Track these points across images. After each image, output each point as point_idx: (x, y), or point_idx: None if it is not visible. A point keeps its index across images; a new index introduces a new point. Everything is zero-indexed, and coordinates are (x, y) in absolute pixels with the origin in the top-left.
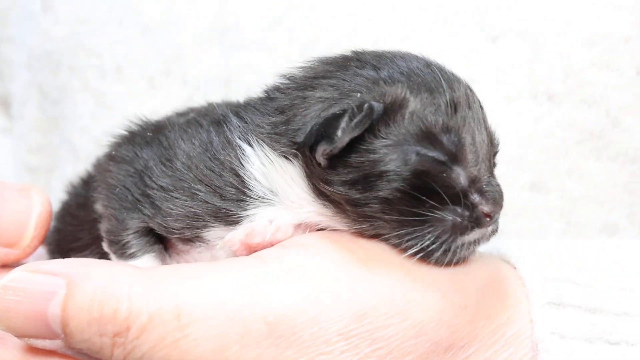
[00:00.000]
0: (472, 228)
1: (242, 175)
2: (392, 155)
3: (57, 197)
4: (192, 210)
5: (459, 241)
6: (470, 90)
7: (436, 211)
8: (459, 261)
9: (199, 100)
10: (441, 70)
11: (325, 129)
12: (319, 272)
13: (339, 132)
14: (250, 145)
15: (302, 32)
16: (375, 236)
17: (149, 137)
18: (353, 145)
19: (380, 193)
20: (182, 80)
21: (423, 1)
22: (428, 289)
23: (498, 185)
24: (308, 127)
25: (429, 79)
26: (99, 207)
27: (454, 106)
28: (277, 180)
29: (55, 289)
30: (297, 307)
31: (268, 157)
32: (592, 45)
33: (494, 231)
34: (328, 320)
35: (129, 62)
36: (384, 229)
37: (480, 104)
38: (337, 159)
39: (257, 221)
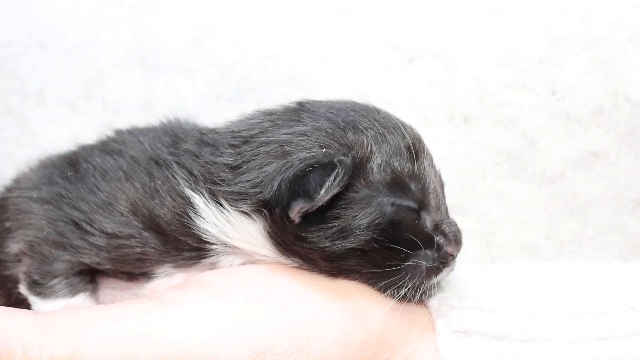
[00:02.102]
0: (441, 269)
1: (196, 229)
2: (369, 208)
3: None
4: (144, 256)
5: (432, 282)
6: (418, 135)
7: (411, 259)
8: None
9: (120, 124)
10: (390, 116)
11: (298, 187)
12: (217, 312)
13: (322, 191)
14: (201, 198)
15: (220, 56)
16: None
17: (70, 175)
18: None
19: (357, 246)
20: (103, 105)
21: (339, 24)
22: (329, 324)
23: (456, 224)
24: (275, 185)
25: (385, 126)
26: (14, 247)
27: (415, 152)
28: (234, 236)
29: None
30: (194, 349)
31: (224, 213)
32: (507, 66)
33: (452, 269)
34: None
35: (50, 86)
36: (359, 282)
37: (427, 147)
38: (311, 216)
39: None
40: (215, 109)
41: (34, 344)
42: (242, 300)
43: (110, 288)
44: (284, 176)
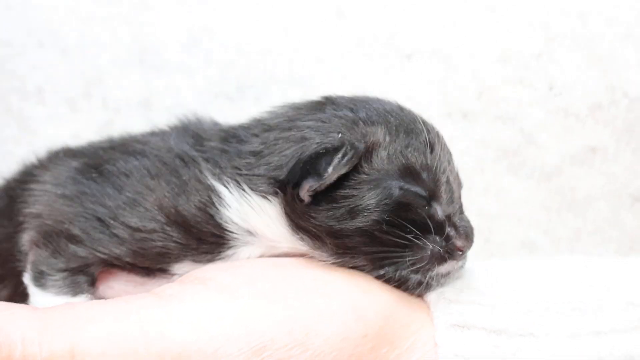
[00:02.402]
0: (447, 259)
1: (219, 218)
2: (377, 189)
3: None
4: (165, 250)
5: (435, 271)
6: (439, 132)
7: (417, 241)
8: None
9: (120, 123)
10: (412, 113)
11: (310, 167)
12: (217, 307)
13: (330, 169)
14: (226, 188)
15: (218, 54)
16: (353, 268)
17: (95, 177)
18: (337, 181)
19: (364, 225)
20: (102, 103)
21: (337, 22)
22: (328, 319)
23: (469, 222)
24: (290, 166)
25: (405, 120)
26: (26, 237)
27: (431, 146)
28: (255, 221)
29: None
30: (194, 345)
31: (246, 198)
32: (505, 62)
33: (462, 266)
34: (226, 355)
35: (50, 85)
36: (364, 260)
37: (447, 146)
38: (320, 195)
39: None
40: (215, 107)
41: (33, 340)
42: (241, 296)
43: (123, 283)
44: (298, 158)
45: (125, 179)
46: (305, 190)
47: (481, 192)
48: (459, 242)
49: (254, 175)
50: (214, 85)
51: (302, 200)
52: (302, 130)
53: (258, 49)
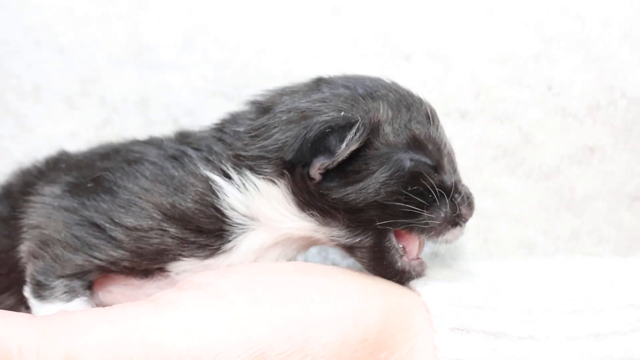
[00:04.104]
0: (455, 225)
1: (219, 205)
2: (389, 163)
3: None
4: (162, 247)
5: (446, 235)
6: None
7: (430, 209)
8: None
9: (117, 121)
10: (406, 88)
11: (320, 146)
12: (215, 313)
13: (343, 145)
14: (226, 175)
15: (214, 52)
16: (358, 247)
17: (91, 187)
18: (346, 158)
19: (379, 198)
20: (100, 101)
21: (334, 21)
22: (327, 324)
23: (469, 189)
24: (296, 146)
25: (403, 95)
26: (24, 248)
27: (432, 119)
28: (257, 204)
29: None
30: (192, 352)
31: (248, 182)
32: (503, 62)
33: (462, 233)
34: None
35: (47, 83)
36: (374, 232)
37: None
38: (331, 173)
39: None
40: (211, 105)
41: (30, 348)
42: (240, 302)
43: (121, 286)
44: (305, 138)
45: (120, 182)
46: (317, 169)
47: (479, 192)
48: (464, 210)
49: (254, 156)
50: (211, 83)
51: (311, 179)
52: (302, 111)
53: (254, 47)
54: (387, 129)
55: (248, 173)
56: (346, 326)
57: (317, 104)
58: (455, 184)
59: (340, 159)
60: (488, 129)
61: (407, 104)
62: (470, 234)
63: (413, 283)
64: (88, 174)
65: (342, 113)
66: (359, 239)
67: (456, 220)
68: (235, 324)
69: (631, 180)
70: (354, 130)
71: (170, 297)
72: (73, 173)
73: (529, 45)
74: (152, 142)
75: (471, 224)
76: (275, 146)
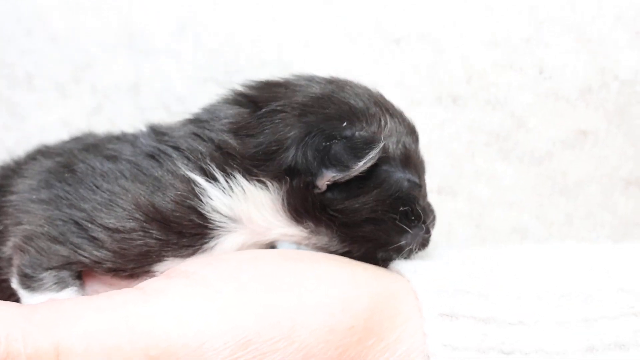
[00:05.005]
0: (424, 246)
1: (200, 208)
2: (389, 182)
3: None
4: (146, 248)
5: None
6: None
7: (414, 229)
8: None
9: (109, 108)
10: (387, 97)
11: (328, 156)
12: (202, 301)
13: (362, 162)
14: (210, 176)
15: (206, 39)
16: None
17: (67, 177)
18: None
19: (376, 216)
20: (92, 88)
21: (325, 6)
22: (314, 311)
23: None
24: (299, 152)
25: (391, 107)
26: (9, 244)
27: (415, 133)
28: (243, 208)
29: None
30: (179, 339)
31: (237, 185)
32: (494, 46)
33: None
34: (212, 350)
35: (39, 71)
36: (365, 248)
37: None
38: (337, 185)
39: None
40: (203, 91)
41: (17, 337)
42: (226, 289)
43: (108, 287)
44: (309, 144)
45: (100, 180)
46: (326, 180)
47: (472, 178)
48: (431, 230)
49: (245, 158)
50: (203, 70)
51: (314, 189)
52: (301, 113)
53: (246, 34)
54: (389, 144)
55: (236, 174)
56: (334, 313)
57: (317, 110)
58: (429, 204)
59: (353, 175)
60: (480, 114)
61: (396, 115)
62: (463, 220)
63: (403, 269)
64: (65, 162)
65: (344, 124)
66: (347, 249)
67: (426, 242)
68: (222, 312)
69: (625, 164)
70: (376, 150)
71: (157, 284)
72: (50, 160)
73: (521, 29)
74: (126, 139)
75: (464, 209)
76: (270, 148)
